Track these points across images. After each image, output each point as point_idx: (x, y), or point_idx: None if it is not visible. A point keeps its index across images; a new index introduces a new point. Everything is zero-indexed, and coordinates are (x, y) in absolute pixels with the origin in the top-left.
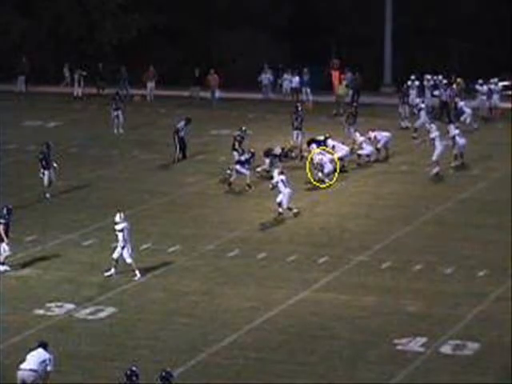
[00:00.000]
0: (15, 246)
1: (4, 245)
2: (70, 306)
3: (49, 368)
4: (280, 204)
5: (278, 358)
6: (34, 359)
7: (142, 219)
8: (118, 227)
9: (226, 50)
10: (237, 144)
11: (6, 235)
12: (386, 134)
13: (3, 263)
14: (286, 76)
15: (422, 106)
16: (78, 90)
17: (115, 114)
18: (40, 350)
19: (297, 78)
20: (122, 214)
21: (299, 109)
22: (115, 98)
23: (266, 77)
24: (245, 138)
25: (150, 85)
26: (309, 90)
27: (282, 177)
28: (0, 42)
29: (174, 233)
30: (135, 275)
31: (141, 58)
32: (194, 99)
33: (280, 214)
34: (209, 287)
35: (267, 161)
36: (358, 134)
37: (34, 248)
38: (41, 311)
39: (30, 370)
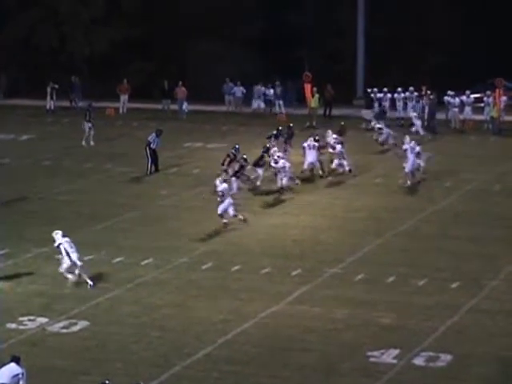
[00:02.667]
0: None
1: None
2: (43, 320)
3: (21, 382)
4: (222, 215)
5: (251, 371)
6: (7, 373)
7: (115, 232)
8: (55, 244)
9: (198, 62)
10: (227, 161)
11: None
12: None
13: None
14: (258, 88)
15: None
16: (50, 103)
17: (88, 125)
18: (12, 365)
19: (270, 91)
20: (60, 231)
21: (291, 125)
22: (89, 109)
23: (239, 89)
24: (237, 156)
25: (123, 97)
26: (281, 103)
27: (225, 185)
28: None
29: (147, 246)
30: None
31: (114, 71)
32: (166, 112)
33: (225, 224)
34: (182, 300)
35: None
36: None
37: (6, 261)
38: (13, 325)
39: None
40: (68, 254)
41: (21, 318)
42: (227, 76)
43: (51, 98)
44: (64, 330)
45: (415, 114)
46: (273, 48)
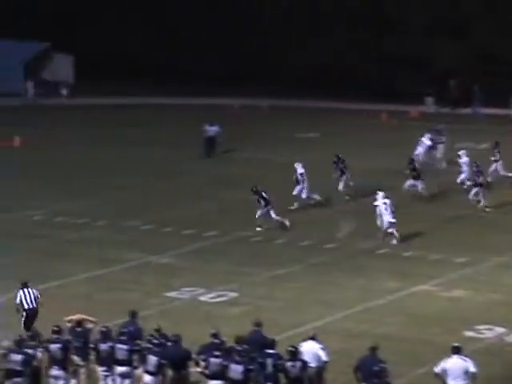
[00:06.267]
0: (446, 266)
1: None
2: (501, 330)
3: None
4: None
5: None
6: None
7: None
8: (376, 203)
9: None
10: None
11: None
12: None
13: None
14: None
15: None
16: None
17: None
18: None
19: None
20: (381, 193)
21: None
22: (336, 161)
23: None
24: None
25: None
26: None
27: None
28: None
29: None
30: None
31: None
32: None
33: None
34: None
35: None
36: None
37: (466, 269)
38: (470, 333)
39: None
40: (381, 215)
41: (478, 327)
42: None
43: None
44: None
45: None
46: None
